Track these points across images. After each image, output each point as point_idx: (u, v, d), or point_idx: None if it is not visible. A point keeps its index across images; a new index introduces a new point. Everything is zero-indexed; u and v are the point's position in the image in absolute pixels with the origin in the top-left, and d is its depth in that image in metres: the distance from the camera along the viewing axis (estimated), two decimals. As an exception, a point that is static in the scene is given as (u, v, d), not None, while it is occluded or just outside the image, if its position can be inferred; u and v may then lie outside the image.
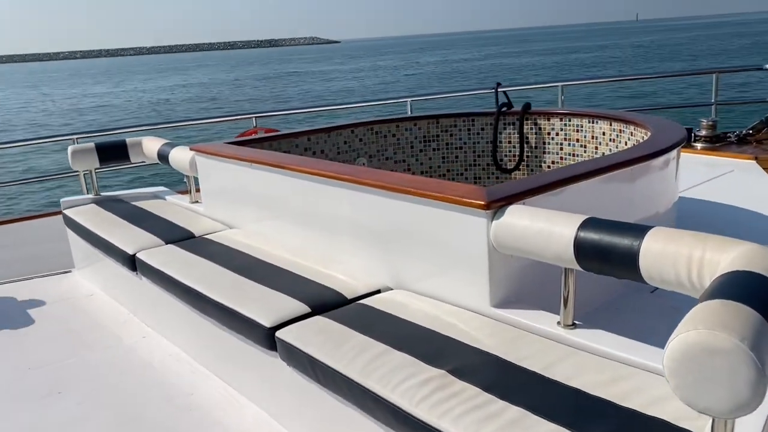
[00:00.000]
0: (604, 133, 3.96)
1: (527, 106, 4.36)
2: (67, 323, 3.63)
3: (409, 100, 6.09)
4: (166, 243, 3.48)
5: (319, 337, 2.20)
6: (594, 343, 1.98)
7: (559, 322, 2.12)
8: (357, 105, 6.56)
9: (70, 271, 4.51)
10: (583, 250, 1.93)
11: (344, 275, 2.75)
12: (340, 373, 2.01)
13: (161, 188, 4.66)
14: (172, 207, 4.19)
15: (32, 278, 4.42)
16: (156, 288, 3.20)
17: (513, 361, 1.92)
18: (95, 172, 4.53)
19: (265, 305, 2.49)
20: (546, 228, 2.02)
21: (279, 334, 2.30)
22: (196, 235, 3.59)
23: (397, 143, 4.59)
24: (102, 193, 4.57)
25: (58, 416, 2.69)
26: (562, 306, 2.10)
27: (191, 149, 3.84)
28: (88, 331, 3.51)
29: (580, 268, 1.98)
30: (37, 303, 3.95)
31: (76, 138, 5.07)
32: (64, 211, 4.33)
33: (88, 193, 4.59)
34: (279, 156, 3.28)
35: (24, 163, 16.90)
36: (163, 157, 4.27)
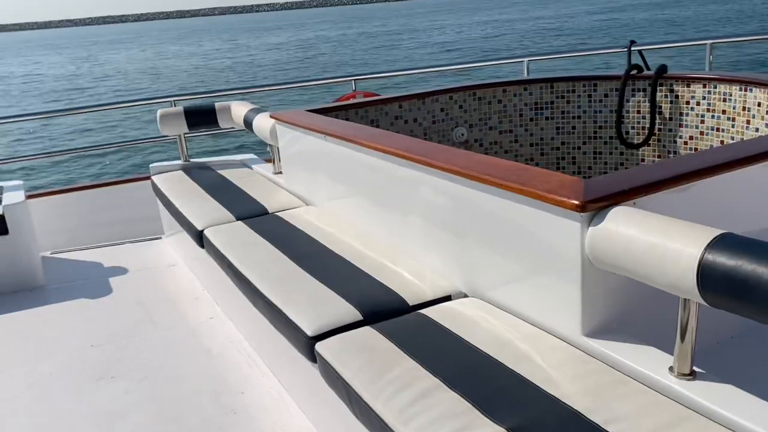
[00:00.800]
0: (759, 104, 3.17)
1: (663, 69, 3.62)
2: (140, 295, 3.50)
3: (526, 60, 5.42)
4: (237, 219, 3.21)
5: (361, 358, 1.80)
6: (722, 408, 1.43)
7: (671, 368, 1.57)
8: (469, 66, 5.97)
9: (159, 238, 4.44)
10: (710, 279, 1.36)
11: (411, 273, 2.32)
12: (375, 412, 1.61)
13: (250, 156, 4.44)
14: (255, 178, 3.94)
15: (123, 243, 4.38)
16: (218, 268, 2.96)
17: (602, 425, 1.42)
18: (185, 137, 4.38)
19: (312, 307, 2.13)
20: (660, 243, 1.47)
21: (319, 347, 1.93)
22: (270, 211, 3.30)
23: (503, 110, 4.03)
24: (192, 159, 4.42)
25: (101, 405, 2.52)
26: (677, 348, 1.55)
27: (271, 117, 3.54)
28: (158, 306, 3.36)
29: (704, 303, 1.42)
30: (120, 271, 3.88)
31: (174, 100, 4.96)
32: (153, 178, 4.22)
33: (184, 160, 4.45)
34: (351, 128, 2.88)
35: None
36: (248, 123, 4.01)
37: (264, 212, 3.29)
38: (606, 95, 3.87)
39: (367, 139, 2.61)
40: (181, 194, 3.71)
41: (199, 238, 3.15)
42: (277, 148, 3.82)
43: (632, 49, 3.94)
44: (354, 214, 2.90)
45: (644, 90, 3.74)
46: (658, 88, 3.64)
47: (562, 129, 4.02)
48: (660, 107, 3.69)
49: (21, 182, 4.07)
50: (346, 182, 2.91)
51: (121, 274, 3.83)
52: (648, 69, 3.94)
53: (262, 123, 3.75)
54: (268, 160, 4.44)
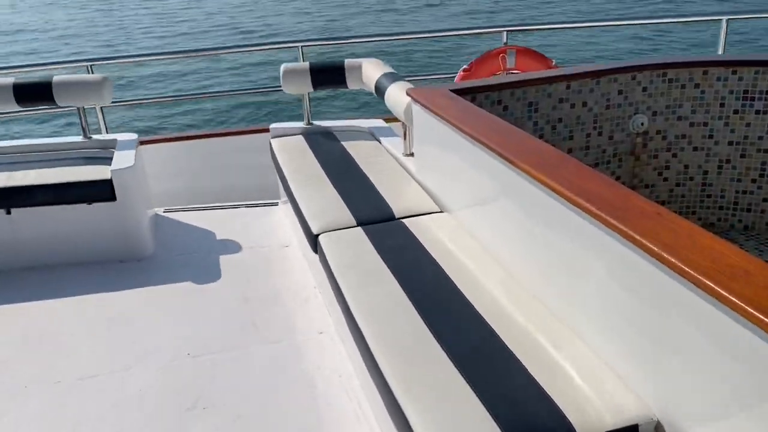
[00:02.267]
0: None
1: None
2: (248, 287, 3.14)
3: (725, 18, 4.32)
4: (358, 224, 2.71)
5: None
6: None
7: None
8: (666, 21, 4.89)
9: (276, 204, 4.06)
10: None
11: (581, 374, 1.71)
12: None
13: (379, 123, 3.88)
14: (382, 158, 3.39)
15: (238, 207, 4.05)
16: (330, 287, 2.50)
17: None
18: (309, 97, 3.88)
19: (438, 406, 1.60)
20: None
21: None
22: (396, 215, 2.76)
23: (700, 97, 3.17)
24: (314, 122, 3.93)
25: None
26: None
27: (408, 93, 2.93)
28: (265, 306, 2.99)
29: None
30: (232, 247, 3.54)
31: (302, 46, 4.44)
32: (271, 141, 3.80)
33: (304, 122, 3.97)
34: (495, 131, 2.23)
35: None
36: (380, 91, 3.43)
37: (390, 217, 2.75)
38: None
39: (515, 153, 1.98)
40: (300, 172, 3.25)
41: (314, 242, 2.69)
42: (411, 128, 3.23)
43: None
44: (498, 242, 2.29)
45: None
46: None
47: None
48: None
49: (135, 136, 3.77)
50: (491, 198, 2.30)
51: (232, 252, 3.49)
52: None
53: (396, 96, 3.16)
54: (397, 125, 3.86)
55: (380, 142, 3.64)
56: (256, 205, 4.05)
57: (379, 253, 2.43)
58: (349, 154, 3.45)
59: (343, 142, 3.63)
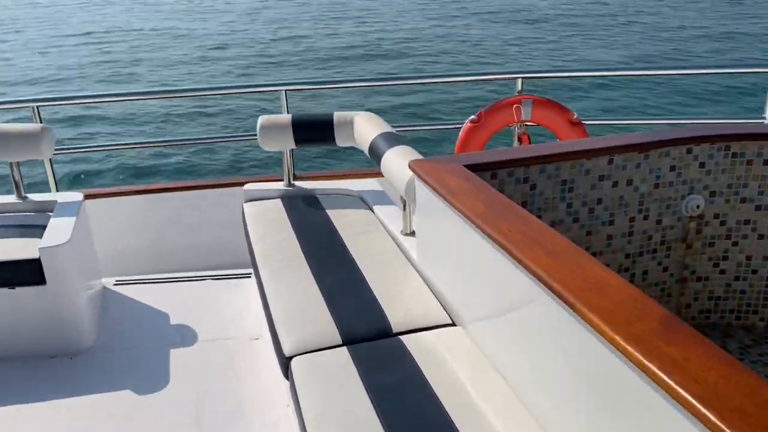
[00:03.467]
0: None
1: None
2: (203, 401, 2.49)
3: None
4: (344, 342, 2.08)
5: None
6: None
7: None
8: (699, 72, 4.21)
9: (249, 276, 3.42)
10: None
11: None
12: None
13: (372, 184, 3.26)
14: (376, 234, 2.77)
15: (203, 279, 3.40)
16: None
17: None
18: (291, 154, 3.27)
19: None
20: None
21: None
22: (394, 329, 2.14)
23: None
24: (297, 183, 3.31)
25: None
26: None
27: (411, 167, 2.32)
28: (222, 427, 2.34)
29: None
30: (187, 339, 2.89)
31: (286, 90, 3.82)
32: (244, 205, 3.17)
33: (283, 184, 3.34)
34: (515, 220, 1.62)
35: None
36: (375, 153, 2.82)
37: (385, 331, 2.13)
38: None
39: (565, 283, 1.37)
40: (275, 253, 2.63)
41: (286, 366, 2.05)
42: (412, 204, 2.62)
43: None
44: (535, 386, 1.67)
45: None
46: None
47: None
48: None
49: (80, 196, 3.13)
50: (515, 313, 1.68)
51: (189, 344, 2.84)
52: None
53: (396, 166, 2.55)
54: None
55: (374, 212, 3.02)
56: (226, 277, 3.41)
57: (369, 396, 1.80)
58: (336, 229, 2.83)
59: (329, 211, 3.01)
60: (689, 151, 2.53)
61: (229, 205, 3.64)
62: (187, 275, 3.43)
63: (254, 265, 2.69)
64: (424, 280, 2.41)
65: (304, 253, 2.62)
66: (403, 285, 2.38)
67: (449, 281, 2.21)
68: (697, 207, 2.61)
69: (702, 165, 2.56)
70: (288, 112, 3.55)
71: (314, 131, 3.12)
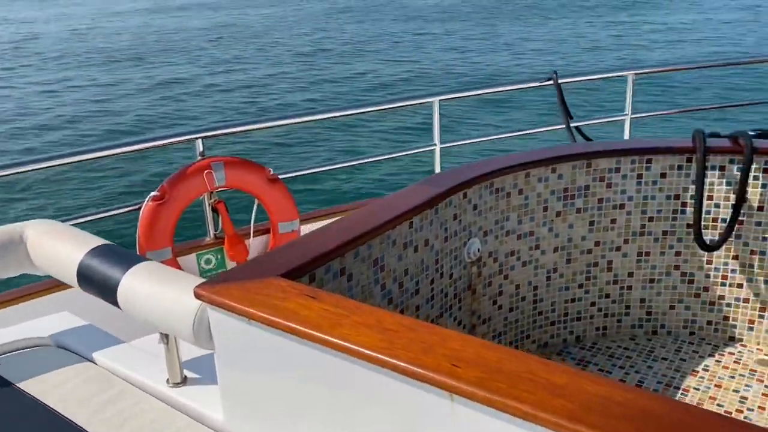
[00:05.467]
0: None
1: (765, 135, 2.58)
2: None
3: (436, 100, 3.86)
4: None
5: None
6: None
7: None
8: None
9: None
10: None
11: None
12: None
13: (70, 320, 2.23)
14: (125, 398, 1.85)
15: None
16: None
17: None
18: None
19: None
20: None
21: None
22: None
23: (524, 205, 2.59)
24: None
25: None
26: None
27: (200, 294, 1.56)
28: None
29: None
30: None
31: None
32: None
33: None
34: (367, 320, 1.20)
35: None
36: (92, 283, 1.88)
37: None
38: (663, 175, 2.69)
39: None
40: None
41: None
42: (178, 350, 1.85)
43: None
44: None
45: (722, 168, 2.64)
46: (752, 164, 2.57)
47: (598, 224, 2.74)
48: (745, 191, 2.64)
49: None
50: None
51: None
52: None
53: (155, 299, 1.72)
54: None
55: (95, 363, 2.05)
56: None
57: None
58: (51, 411, 1.80)
59: (21, 386, 1.92)
60: (465, 196, 2.36)
61: None
62: None
63: None
64: None
65: None
66: None
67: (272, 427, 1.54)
68: (478, 251, 2.47)
69: (475, 207, 2.42)
70: None
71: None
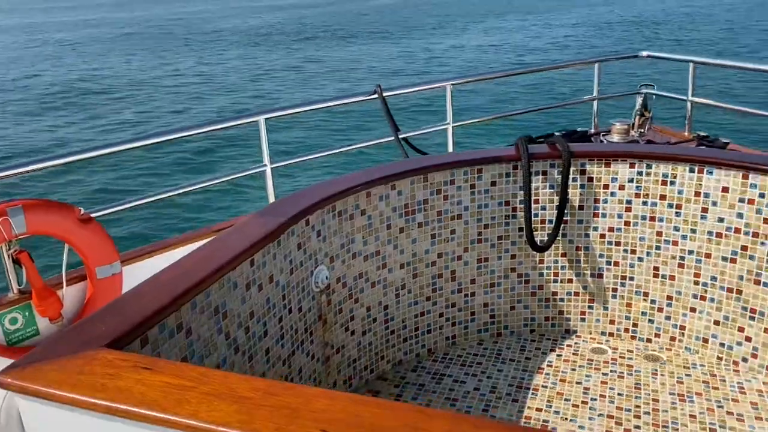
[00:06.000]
0: (725, 190, 2.57)
1: (572, 137, 2.72)
2: None
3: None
4: None
5: None
6: None
7: None
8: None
9: None
10: None
11: None
12: None
13: None
14: None
15: None
16: None
17: None
18: None
19: None
20: None
21: None
22: None
23: (368, 225, 2.53)
24: None
25: None
26: None
27: (2, 381, 1.28)
28: None
29: None
30: None
31: None
32: None
33: None
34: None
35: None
36: None
37: None
38: (493, 183, 2.76)
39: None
40: None
41: None
42: None
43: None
44: None
45: (544, 173, 2.77)
46: (570, 167, 2.73)
47: (439, 236, 2.75)
48: (569, 193, 2.79)
49: None
50: None
51: None
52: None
53: None
54: None
55: None
56: None
57: None
58: None
59: None
60: (308, 223, 2.23)
61: None
62: None
63: None
64: None
65: None
66: None
67: None
68: (326, 278, 2.35)
69: (319, 234, 2.30)
70: None
71: None
